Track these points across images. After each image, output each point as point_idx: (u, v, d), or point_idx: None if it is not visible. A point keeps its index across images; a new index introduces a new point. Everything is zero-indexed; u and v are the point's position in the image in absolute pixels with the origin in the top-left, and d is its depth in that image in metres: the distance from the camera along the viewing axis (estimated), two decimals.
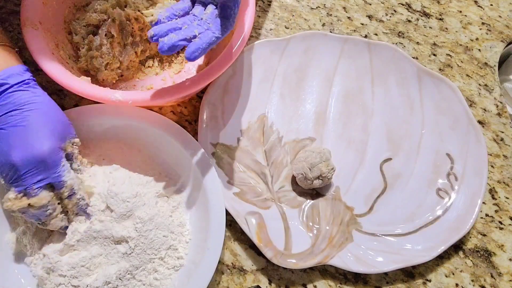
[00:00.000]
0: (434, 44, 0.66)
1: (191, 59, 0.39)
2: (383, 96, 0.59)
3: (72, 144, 0.44)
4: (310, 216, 0.52)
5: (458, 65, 0.65)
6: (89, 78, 0.50)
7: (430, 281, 0.51)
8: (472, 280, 0.51)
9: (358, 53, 0.60)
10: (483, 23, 0.69)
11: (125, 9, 0.55)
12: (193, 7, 0.43)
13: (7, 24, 0.61)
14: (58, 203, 0.43)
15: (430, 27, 0.68)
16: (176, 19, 0.42)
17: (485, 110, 0.62)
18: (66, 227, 0.45)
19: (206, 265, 0.44)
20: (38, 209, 0.41)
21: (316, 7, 0.68)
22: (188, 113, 0.58)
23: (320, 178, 0.51)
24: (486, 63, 0.65)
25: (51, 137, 0.41)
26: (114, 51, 0.54)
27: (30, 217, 0.42)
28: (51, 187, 0.42)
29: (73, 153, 0.45)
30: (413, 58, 0.63)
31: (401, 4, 0.70)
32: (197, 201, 0.49)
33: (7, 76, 0.42)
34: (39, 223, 0.43)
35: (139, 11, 0.56)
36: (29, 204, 0.40)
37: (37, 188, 0.40)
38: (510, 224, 0.55)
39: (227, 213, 0.48)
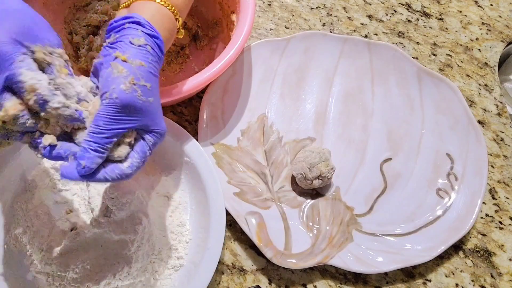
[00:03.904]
0: (434, 44, 0.66)
1: (64, 175, 0.34)
2: (383, 96, 0.59)
3: (50, 53, 0.35)
4: (310, 216, 0.52)
5: (458, 65, 0.65)
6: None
7: (430, 281, 0.51)
8: (472, 280, 0.51)
9: (358, 53, 0.60)
10: (483, 23, 0.69)
11: None
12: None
13: None
14: (34, 114, 0.34)
15: (430, 27, 0.68)
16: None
17: (485, 110, 0.62)
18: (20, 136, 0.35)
19: (206, 265, 0.44)
20: (17, 124, 0.33)
21: (316, 7, 0.68)
22: (188, 113, 0.58)
23: (320, 178, 0.51)
24: (486, 63, 0.65)
25: (1, 28, 0.32)
26: None
27: (16, 137, 0.35)
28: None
29: (53, 64, 0.35)
30: (413, 58, 0.63)
31: (401, 4, 0.70)
32: (197, 201, 0.49)
33: None
34: (28, 140, 0.35)
35: None
36: (3, 122, 0.33)
37: None
38: (510, 224, 0.55)
39: (227, 213, 0.48)
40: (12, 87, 0.33)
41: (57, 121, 0.34)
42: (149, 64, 0.37)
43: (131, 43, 0.36)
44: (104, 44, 0.38)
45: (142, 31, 0.37)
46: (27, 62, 0.33)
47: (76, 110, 0.35)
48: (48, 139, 0.34)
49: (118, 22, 0.38)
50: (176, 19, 0.42)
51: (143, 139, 0.37)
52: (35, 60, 0.34)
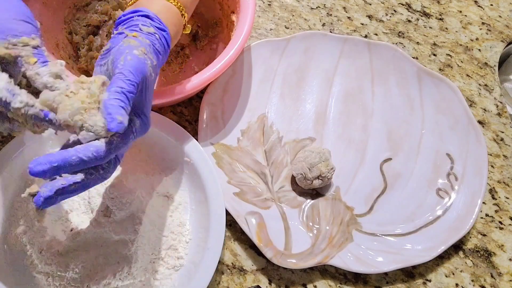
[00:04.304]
0: (434, 44, 0.66)
1: (33, 170, 0.31)
2: (383, 96, 0.59)
3: (13, 45, 0.32)
4: (310, 216, 0.52)
5: (458, 65, 0.65)
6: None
7: (430, 281, 0.51)
8: (472, 280, 0.51)
9: (358, 53, 0.60)
10: (483, 23, 0.69)
11: None
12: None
13: None
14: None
15: (430, 27, 0.68)
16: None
17: (485, 110, 0.62)
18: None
19: (206, 265, 0.44)
20: None
21: (316, 7, 0.68)
22: (188, 113, 0.58)
23: (320, 178, 0.51)
24: (486, 63, 0.65)
25: None
26: None
27: None
28: None
29: (20, 56, 0.33)
30: (413, 58, 0.63)
31: (401, 4, 0.70)
32: (197, 201, 0.49)
33: None
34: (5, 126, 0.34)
35: None
36: None
37: None
38: (510, 224, 0.55)
39: (227, 213, 0.48)
40: None
41: (25, 121, 0.33)
42: (156, 48, 0.37)
43: (141, 30, 0.37)
44: (112, 35, 0.38)
45: (151, 23, 0.38)
46: None
47: (41, 110, 0.32)
48: (32, 189, 0.32)
49: (127, 16, 0.38)
50: (182, 15, 0.42)
51: (130, 121, 0.34)
52: (1, 57, 0.32)
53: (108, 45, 0.37)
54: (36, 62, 0.33)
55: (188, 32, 0.46)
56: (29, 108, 0.32)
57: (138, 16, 0.38)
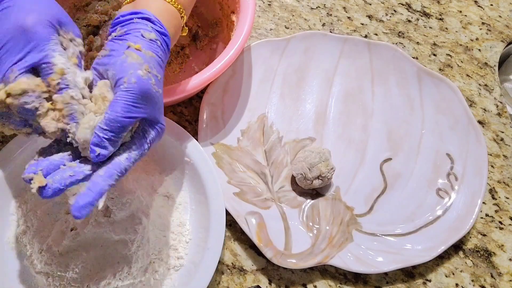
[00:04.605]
0: (434, 44, 0.66)
1: (80, 217, 0.32)
2: (383, 96, 0.59)
3: (70, 40, 0.35)
4: (310, 216, 0.52)
5: (458, 65, 0.65)
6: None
7: (430, 281, 0.51)
8: (472, 280, 0.51)
9: (358, 53, 0.60)
10: (483, 23, 0.69)
11: None
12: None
13: None
14: (46, 99, 0.34)
15: (430, 27, 0.68)
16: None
17: (485, 110, 0.62)
18: (66, 135, 0.35)
19: (206, 265, 0.44)
20: (19, 101, 0.32)
21: (316, 7, 0.68)
22: (188, 113, 0.58)
23: (320, 178, 0.51)
24: (486, 63, 0.65)
25: (38, 10, 0.33)
26: None
27: (14, 122, 0.34)
28: (37, 75, 0.34)
29: (67, 49, 0.36)
30: (413, 58, 0.63)
31: (401, 4, 0.70)
32: (197, 201, 0.49)
33: None
34: (28, 130, 0.35)
35: None
36: (7, 95, 0.32)
37: (19, 70, 0.32)
38: (510, 224, 0.55)
39: (227, 213, 0.48)
40: (38, 68, 0.33)
41: (60, 110, 0.34)
42: (158, 58, 0.37)
43: (143, 36, 0.36)
44: (110, 37, 0.37)
45: (152, 27, 0.37)
46: (59, 48, 0.34)
47: (82, 114, 0.35)
48: (41, 182, 0.33)
49: (126, 17, 0.37)
50: (182, 17, 0.42)
51: (143, 132, 0.36)
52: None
53: (107, 50, 0.36)
54: (76, 63, 0.36)
55: (185, 34, 0.45)
56: (77, 103, 0.34)
57: (139, 18, 0.37)
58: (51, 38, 0.33)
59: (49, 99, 0.34)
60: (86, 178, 0.35)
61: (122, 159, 0.35)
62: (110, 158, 0.35)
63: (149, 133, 0.36)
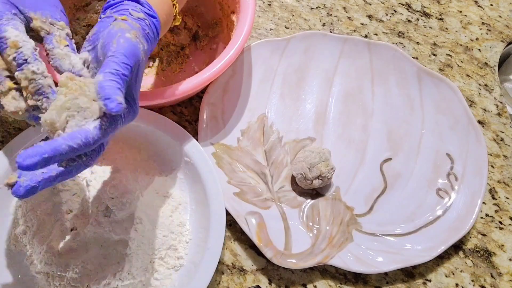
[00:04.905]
0: (434, 44, 0.66)
1: (22, 164, 0.28)
2: (383, 96, 0.59)
3: (52, 24, 0.35)
4: (310, 216, 0.52)
5: (458, 65, 0.65)
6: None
7: (430, 281, 0.51)
8: (472, 280, 0.51)
9: (358, 53, 0.60)
10: (483, 23, 0.69)
11: None
12: None
13: None
14: (9, 77, 0.33)
15: (430, 27, 0.68)
16: None
17: (485, 110, 0.62)
18: (35, 117, 0.34)
19: (206, 265, 0.44)
20: None
21: (316, 7, 0.68)
22: (188, 113, 0.58)
23: (320, 178, 0.51)
24: (486, 63, 0.65)
25: None
26: None
27: None
28: None
29: (52, 33, 0.35)
30: (413, 58, 0.63)
31: (401, 4, 0.70)
32: (197, 201, 0.49)
33: None
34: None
35: None
36: None
37: None
38: (510, 224, 0.55)
39: (227, 213, 0.48)
40: None
41: (26, 88, 0.32)
42: (145, 33, 0.36)
43: (131, 14, 0.36)
44: (100, 19, 0.37)
45: (141, 9, 0.37)
46: (14, 23, 0.33)
47: (49, 86, 0.32)
48: (10, 179, 0.31)
49: (116, 0, 0.37)
50: (174, 5, 0.42)
51: None
52: (33, 28, 0.34)
53: (95, 29, 0.36)
54: (67, 45, 0.35)
55: (179, 23, 0.44)
56: (42, 77, 0.32)
57: (128, 1, 0.37)
58: (4, 14, 0.32)
59: (13, 78, 0.32)
60: (63, 175, 0.32)
61: (91, 127, 0.31)
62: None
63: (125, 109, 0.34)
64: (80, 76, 0.34)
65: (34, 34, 0.35)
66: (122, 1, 0.37)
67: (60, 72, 0.34)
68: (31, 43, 0.33)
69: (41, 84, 0.32)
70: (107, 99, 0.30)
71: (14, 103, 0.32)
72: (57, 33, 0.35)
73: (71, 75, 0.33)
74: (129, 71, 0.32)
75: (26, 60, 0.32)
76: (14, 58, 0.32)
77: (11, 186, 0.31)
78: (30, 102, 0.32)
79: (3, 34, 0.32)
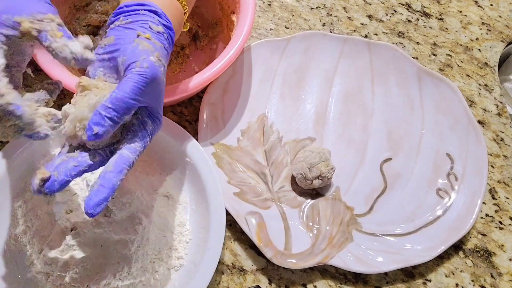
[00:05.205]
0: (434, 44, 0.66)
1: (94, 214, 0.32)
2: (383, 96, 0.59)
3: (38, 20, 0.34)
4: (310, 216, 0.52)
5: (458, 65, 0.65)
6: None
7: (430, 281, 0.51)
8: (472, 280, 0.51)
9: (358, 53, 0.60)
10: (483, 23, 0.69)
11: None
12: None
13: None
14: None
15: (430, 27, 0.68)
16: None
17: (485, 110, 0.62)
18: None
19: (206, 265, 0.44)
20: None
21: (316, 7, 0.68)
22: (188, 113, 0.58)
23: (320, 178, 0.51)
24: (486, 63, 0.65)
25: None
26: None
27: None
28: None
29: (44, 30, 0.34)
30: (413, 58, 0.63)
31: (401, 4, 0.70)
32: (197, 201, 0.49)
33: None
34: None
35: None
36: None
37: None
38: (510, 224, 0.55)
39: (227, 213, 0.48)
40: None
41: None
42: (165, 50, 0.37)
43: (151, 28, 0.36)
44: (113, 25, 0.37)
45: (159, 21, 0.37)
46: None
47: (10, 104, 0.32)
48: (44, 174, 0.32)
49: (131, 7, 0.37)
50: (185, 13, 0.42)
51: (143, 123, 0.36)
52: (23, 32, 0.34)
53: (112, 38, 0.36)
54: (62, 35, 0.34)
55: (187, 29, 0.45)
56: None
57: (145, 10, 0.37)
58: None
59: None
60: (91, 167, 0.34)
61: (128, 153, 0.34)
62: (113, 153, 0.35)
63: (149, 124, 0.36)
64: (87, 59, 0.34)
65: (28, 37, 0.35)
66: (138, 10, 0.37)
67: (69, 63, 0.34)
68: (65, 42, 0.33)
69: (1, 105, 0.32)
70: (88, 126, 0.32)
71: None
72: (49, 27, 0.34)
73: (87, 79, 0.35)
74: (138, 93, 0.33)
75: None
76: None
77: (45, 181, 0.32)
78: (8, 124, 0.33)
79: None
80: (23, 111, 0.33)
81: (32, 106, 0.35)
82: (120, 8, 0.37)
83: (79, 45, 0.34)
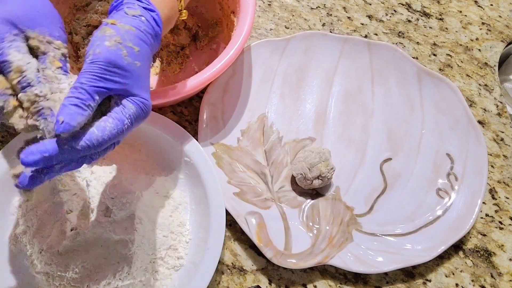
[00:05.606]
0: (434, 44, 0.66)
1: (27, 161, 0.30)
2: (383, 96, 0.59)
3: (47, 42, 0.35)
4: (310, 216, 0.52)
5: (458, 65, 0.65)
6: None
7: (430, 281, 0.51)
8: (472, 280, 0.51)
9: (358, 53, 0.60)
10: (483, 23, 0.69)
11: None
12: None
13: None
14: (13, 95, 0.33)
15: (430, 27, 0.68)
16: None
17: (485, 110, 0.62)
18: (37, 133, 0.34)
19: (206, 265, 0.44)
20: None
21: (316, 7, 0.68)
22: (188, 113, 0.58)
23: (320, 178, 0.51)
24: (486, 63, 0.65)
25: None
26: None
27: None
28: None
29: (47, 54, 0.35)
30: (413, 58, 0.63)
31: (401, 4, 0.70)
32: (197, 201, 0.49)
33: None
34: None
35: None
36: None
37: None
38: (510, 224, 0.55)
39: (227, 213, 0.48)
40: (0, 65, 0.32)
41: (28, 108, 0.33)
42: (140, 31, 0.36)
43: (126, 13, 0.36)
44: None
45: (139, 5, 0.37)
46: (17, 44, 0.33)
47: (50, 109, 0.33)
48: (16, 170, 0.32)
49: (118, 1, 0.37)
50: None
51: (122, 106, 0.34)
52: (30, 46, 0.34)
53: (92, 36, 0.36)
54: (60, 67, 0.35)
55: (185, 17, 0.44)
56: (44, 100, 0.33)
57: None
58: (6, 34, 0.32)
59: (15, 95, 0.33)
60: (64, 165, 0.33)
61: (95, 129, 0.32)
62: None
63: (128, 107, 0.34)
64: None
65: (31, 52, 0.35)
66: (122, 0, 0.37)
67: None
68: (35, 65, 0.33)
69: (42, 106, 0.33)
70: (56, 118, 0.31)
71: (22, 121, 0.33)
72: (52, 54, 0.35)
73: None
74: (99, 80, 0.32)
75: (29, 83, 0.32)
76: (18, 82, 0.32)
77: (17, 176, 0.32)
78: (30, 122, 0.33)
79: (7, 58, 0.32)
80: (54, 119, 0.32)
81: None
82: (111, 5, 0.38)
83: (68, 86, 0.34)
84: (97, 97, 0.33)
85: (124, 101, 0.34)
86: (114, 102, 0.34)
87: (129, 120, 0.34)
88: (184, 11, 0.43)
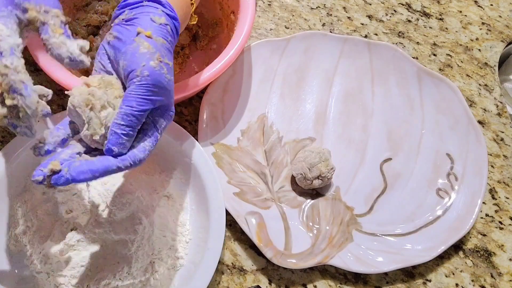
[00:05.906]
0: (434, 44, 0.66)
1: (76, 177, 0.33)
2: (383, 96, 0.59)
3: (44, 11, 0.35)
4: (310, 216, 0.52)
5: (458, 65, 0.65)
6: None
7: (430, 281, 0.51)
8: (472, 280, 0.51)
9: (358, 53, 0.60)
10: (483, 23, 0.69)
11: None
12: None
13: None
14: None
15: (430, 27, 0.68)
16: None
17: (485, 110, 0.62)
18: (14, 125, 0.34)
19: (206, 265, 0.44)
20: None
21: (316, 7, 0.68)
22: (188, 113, 0.58)
23: (320, 178, 0.51)
24: (486, 63, 0.65)
25: None
26: None
27: None
28: None
29: (47, 23, 0.34)
30: (413, 58, 0.63)
31: (401, 4, 0.70)
32: (197, 201, 0.49)
33: None
34: None
35: None
36: None
37: None
38: (510, 224, 0.55)
39: (227, 213, 0.48)
40: None
41: (0, 84, 0.31)
42: (168, 43, 0.36)
43: (153, 21, 0.36)
44: (117, 20, 0.37)
45: (163, 11, 0.37)
46: (6, 20, 0.33)
47: (22, 82, 0.31)
48: (55, 165, 0.33)
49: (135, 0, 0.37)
50: (192, 3, 0.41)
51: (154, 122, 0.36)
52: (29, 20, 0.34)
53: (115, 34, 0.36)
54: (62, 33, 0.35)
55: (195, 22, 0.44)
56: (14, 73, 0.31)
57: (149, 1, 0.37)
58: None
59: None
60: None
61: (137, 151, 0.35)
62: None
63: (160, 123, 0.36)
64: (81, 62, 0.35)
65: (32, 26, 0.35)
66: (142, 1, 0.37)
67: (62, 61, 0.34)
68: (15, 40, 0.33)
69: (12, 80, 0.31)
70: (107, 145, 0.34)
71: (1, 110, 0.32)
72: (52, 22, 0.35)
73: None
74: (147, 103, 0.34)
75: (1, 53, 0.31)
76: None
77: (54, 173, 0.33)
78: (8, 102, 0.31)
79: None
80: (30, 93, 0.32)
81: (35, 95, 0.33)
82: (124, 0, 0.37)
83: (76, 46, 0.34)
84: (143, 120, 0.35)
85: (157, 117, 0.36)
86: (147, 115, 0.36)
87: (160, 133, 0.37)
88: (194, 16, 0.44)
